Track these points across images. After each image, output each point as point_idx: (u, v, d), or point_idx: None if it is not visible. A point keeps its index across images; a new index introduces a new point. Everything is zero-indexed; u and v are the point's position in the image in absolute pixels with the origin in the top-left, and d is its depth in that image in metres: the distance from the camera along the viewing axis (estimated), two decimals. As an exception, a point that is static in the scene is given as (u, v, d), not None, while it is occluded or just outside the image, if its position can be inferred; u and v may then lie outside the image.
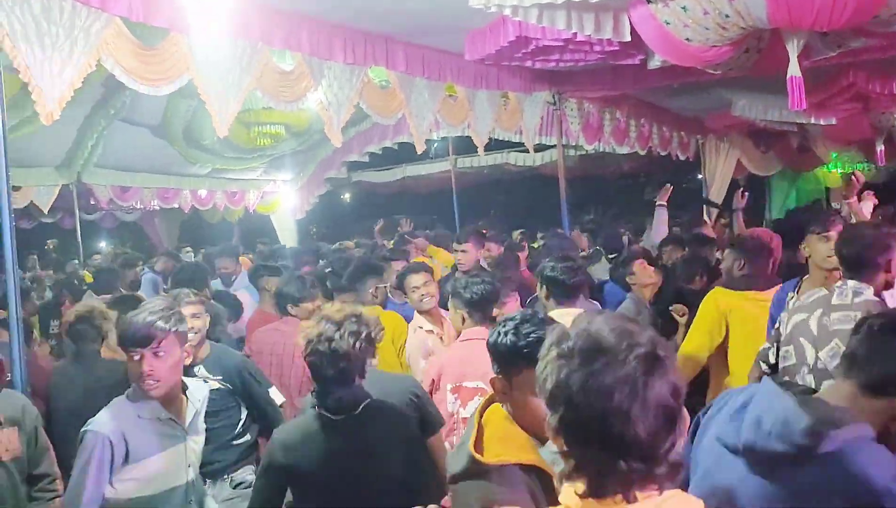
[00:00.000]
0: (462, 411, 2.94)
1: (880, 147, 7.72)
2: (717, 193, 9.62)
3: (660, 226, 6.63)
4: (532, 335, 1.68)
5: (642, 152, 8.32)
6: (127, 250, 11.31)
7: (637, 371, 1.09)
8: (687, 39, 3.53)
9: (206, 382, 2.86)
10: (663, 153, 8.80)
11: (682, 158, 9.38)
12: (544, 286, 3.23)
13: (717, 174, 9.57)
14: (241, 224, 12.39)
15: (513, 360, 1.70)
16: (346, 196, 15.79)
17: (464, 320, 3.12)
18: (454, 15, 3.89)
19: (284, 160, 10.27)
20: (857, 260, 2.88)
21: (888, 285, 2.89)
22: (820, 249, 3.29)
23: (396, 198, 14.80)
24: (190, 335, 2.68)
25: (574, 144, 7.52)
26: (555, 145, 7.76)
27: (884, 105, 6.40)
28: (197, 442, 2.51)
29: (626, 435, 1.08)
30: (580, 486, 1.15)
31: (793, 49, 3.54)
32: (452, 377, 2.99)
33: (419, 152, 5.55)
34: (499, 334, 1.76)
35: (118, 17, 3.03)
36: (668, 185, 6.85)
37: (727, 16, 3.29)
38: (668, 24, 3.49)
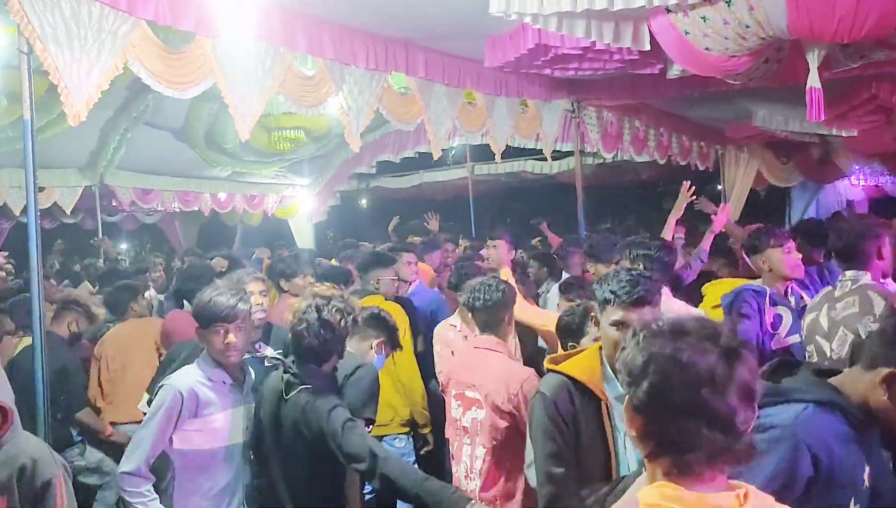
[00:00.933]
0: (463, 418, 2.90)
1: (903, 160, 7.63)
2: (736, 203, 9.54)
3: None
4: None
5: (661, 162, 8.29)
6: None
7: (719, 351, 1.19)
8: (706, 49, 3.53)
9: (265, 356, 3.03)
10: (682, 163, 8.76)
11: (701, 168, 9.33)
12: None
13: (737, 185, 9.51)
14: (260, 228, 12.47)
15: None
16: (364, 201, 15.88)
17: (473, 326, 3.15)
18: (474, 22, 3.92)
19: (303, 165, 10.38)
20: (848, 251, 3.08)
21: (885, 275, 3.01)
22: (783, 259, 3.48)
23: (413, 204, 14.84)
24: (258, 313, 3.23)
25: (592, 152, 7.51)
26: (572, 153, 7.77)
27: (908, 117, 6.33)
28: (250, 409, 2.77)
29: (711, 403, 1.15)
30: (660, 470, 1.21)
31: (813, 60, 3.52)
32: (457, 384, 2.97)
33: (436, 159, 5.58)
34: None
35: (144, 21, 3.10)
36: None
37: (747, 26, 3.28)
38: (687, 33, 3.49)
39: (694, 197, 5.12)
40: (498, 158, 5.65)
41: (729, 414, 1.16)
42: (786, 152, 9.35)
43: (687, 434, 1.18)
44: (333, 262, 9.66)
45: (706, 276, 4.66)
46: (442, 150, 5.46)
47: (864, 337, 2.78)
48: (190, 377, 2.63)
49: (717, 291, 3.99)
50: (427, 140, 7.69)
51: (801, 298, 3.62)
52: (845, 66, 3.93)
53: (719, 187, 10.37)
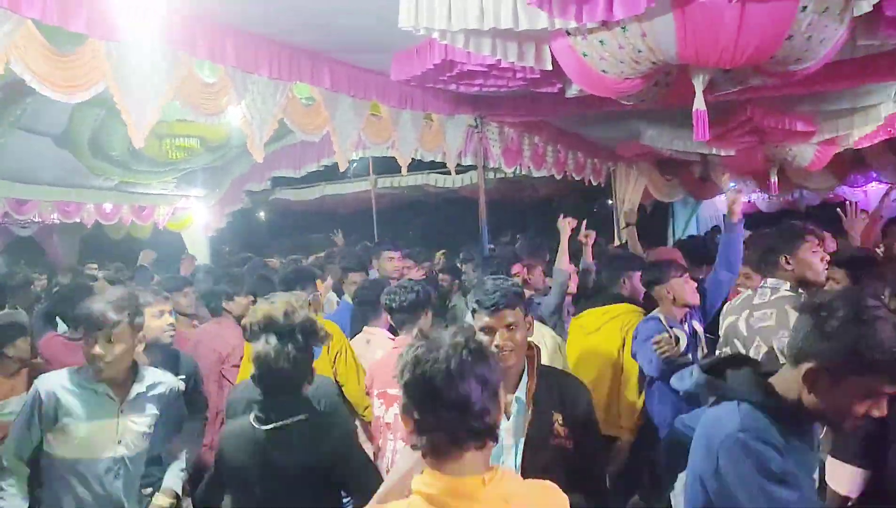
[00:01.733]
0: (386, 415, 3.04)
1: (774, 178, 8.33)
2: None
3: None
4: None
5: (558, 177, 8.63)
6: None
7: (464, 352, 1.47)
8: (603, 71, 3.72)
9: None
10: (577, 178, 9.16)
11: (594, 183, 9.80)
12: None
13: (627, 199, 10.05)
14: (149, 241, 11.83)
15: None
16: (262, 214, 15.45)
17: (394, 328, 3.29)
18: (382, 34, 3.93)
19: (198, 175, 9.95)
20: (761, 261, 3.33)
21: (812, 284, 3.19)
22: (686, 289, 3.76)
23: (314, 217, 14.60)
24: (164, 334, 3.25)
25: (494, 167, 7.71)
26: (474, 168, 7.94)
27: (777, 139, 6.93)
28: (135, 422, 2.64)
29: (446, 391, 1.43)
30: (424, 459, 1.48)
31: (698, 84, 3.79)
32: (380, 384, 3.10)
33: (342, 170, 5.53)
34: None
35: (30, 20, 2.89)
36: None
37: (640, 51, 3.49)
38: (585, 55, 3.67)
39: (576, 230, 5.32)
40: (404, 170, 5.68)
41: (463, 399, 1.42)
42: (670, 170, 10.01)
43: (429, 419, 1.44)
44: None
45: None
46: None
47: (777, 351, 3.01)
48: (55, 380, 2.59)
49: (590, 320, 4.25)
50: (328, 153, 7.67)
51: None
52: (726, 89, 4.26)
53: (610, 202, 10.93)
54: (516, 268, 5.05)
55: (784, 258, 3.29)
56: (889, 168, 9.98)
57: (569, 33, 3.63)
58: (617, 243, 9.95)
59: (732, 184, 11.23)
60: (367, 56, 4.60)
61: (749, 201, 14.66)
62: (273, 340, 2.18)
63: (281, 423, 2.19)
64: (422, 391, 1.46)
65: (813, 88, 5.10)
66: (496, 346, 2.26)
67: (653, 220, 12.97)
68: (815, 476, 1.85)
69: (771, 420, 1.71)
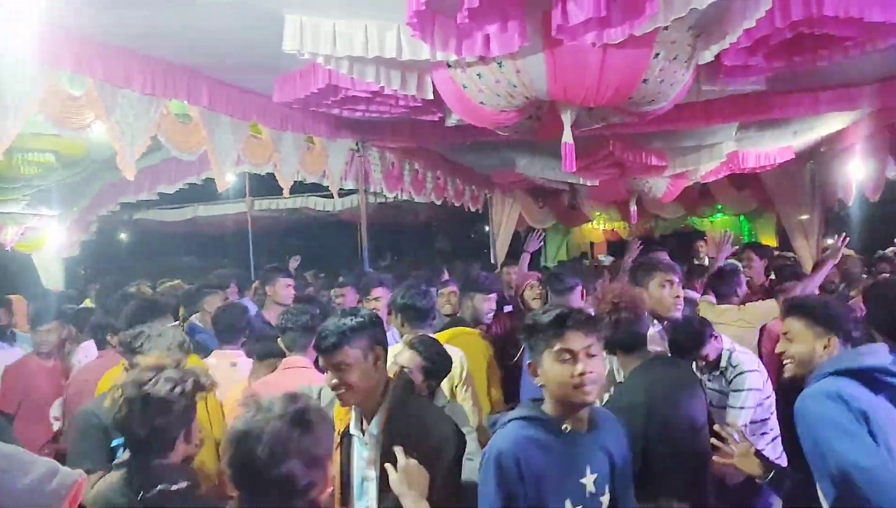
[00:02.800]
0: None
1: (633, 207, 9.04)
2: (502, 243, 10.50)
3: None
4: None
5: (438, 202, 8.85)
6: None
7: (290, 427, 1.46)
8: (481, 102, 3.93)
9: None
10: (456, 204, 9.44)
11: (472, 209, 10.13)
12: (399, 314, 3.57)
13: (503, 226, 10.47)
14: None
15: None
16: (125, 235, 14.49)
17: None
18: (265, 55, 3.90)
19: (52, 192, 9.20)
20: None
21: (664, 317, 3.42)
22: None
23: (185, 238, 13.92)
24: None
25: (375, 191, 7.79)
26: (355, 191, 7.96)
27: (635, 171, 7.56)
28: None
29: (283, 475, 1.42)
30: None
31: (566, 119, 4.10)
32: None
33: (220, 191, 5.37)
34: None
35: None
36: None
37: (515, 85, 3.73)
38: (465, 87, 3.86)
39: None
40: (286, 193, 5.60)
41: (286, 479, 1.44)
42: (542, 198, 10.58)
43: (252, 498, 1.47)
44: (88, 302, 8.66)
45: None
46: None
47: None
48: None
49: None
50: (199, 171, 7.35)
51: None
52: (590, 125, 4.62)
53: (487, 228, 11.33)
54: (377, 292, 4.92)
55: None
56: (731, 201, 11.14)
57: (449, 65, 3.81)
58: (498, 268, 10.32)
59: (597, 213, 12.08)
60: (247, 76, 4.54)
61: (612, 230, 15.76)
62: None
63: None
64: (244, 471, 1.43)
65: (665, 126, 5.64)
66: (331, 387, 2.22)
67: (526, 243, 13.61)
68: (588, 480, 2.11)
69: (542, 430, 2.15)
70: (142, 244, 14.92)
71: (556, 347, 2.04)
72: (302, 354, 3.20)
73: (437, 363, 2.87)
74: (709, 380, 3.59)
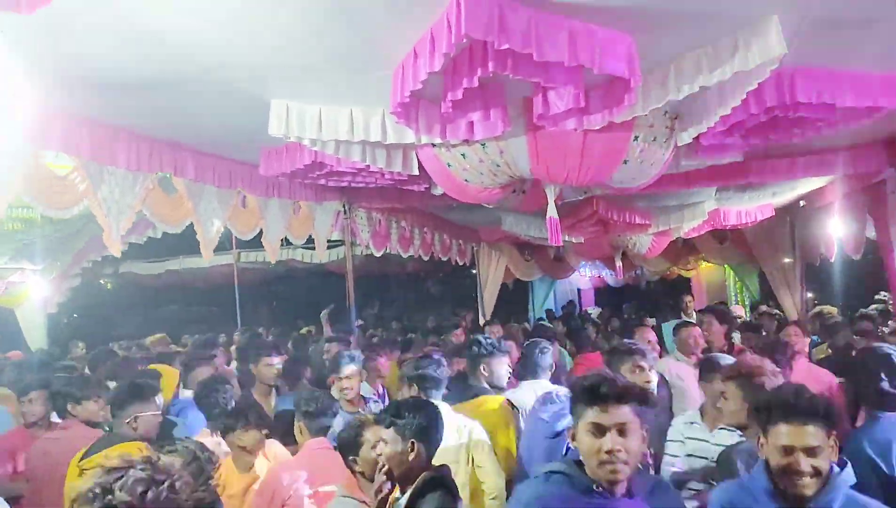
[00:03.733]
0: None
1: (618, 263, 9.12)
2: (490, 295, 10.51)
3: None
4: None
5: (426, 258, 8.88)
6: None
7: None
8: (466, 180, 3.98)
9: None
10: (444, 258, 9.47)
11: (460, 263, 10.16)
12: (414, 384, 3.56)
13: (490, 279, 10.49)
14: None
15: None
16: (110, 287, 14.37)
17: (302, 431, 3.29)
18: (251, 132, 3.95)
19: (37, 246, 9.14)
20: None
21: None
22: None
23: (170, 290, 13.82)
24: None
25: (363, 248, 7.82)
26: (342, 242, 7.98)
27: (619, 229, 7.65)
28: None
29: None
30: None
31: (550, 194, 4.16)
32: (308, 485, 3.07)
33: (207, 260, 5.35)
34: None
35: None
36: None
37: (498, 165, 3.79)
38: (450, 165, 3.91)
39: None
40: (273, 258, 5.59)
41: None
42: (528, 252, 10.64)
43: None
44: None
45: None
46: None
47: None
48: None
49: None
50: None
51: None
52: (575, 197, 4.69)
53: (475, 272, 11.26)
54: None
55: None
56: (714, 253, 11.27)
57: (434, 145, 3.86)
58: (482, 319, 10.32)
59: (584, 263, 12.15)
60: (233, 149, 4.58)
61: (599, 277, 15.85)
62: None
63: None
64: None
65: (647, 189, 5.73)
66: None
67: (514, 294, 13.64)
68: None
69: (567, 485, 2.08)
70: (126, 296, 14.79)
71: (588, 419, 1.97)
72: (320, 434, 3.25)
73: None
74: None
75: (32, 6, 2.06)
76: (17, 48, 2.81)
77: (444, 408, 3.28)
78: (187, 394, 4.54)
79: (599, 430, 1.94)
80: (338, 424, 3.75)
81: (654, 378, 3.47)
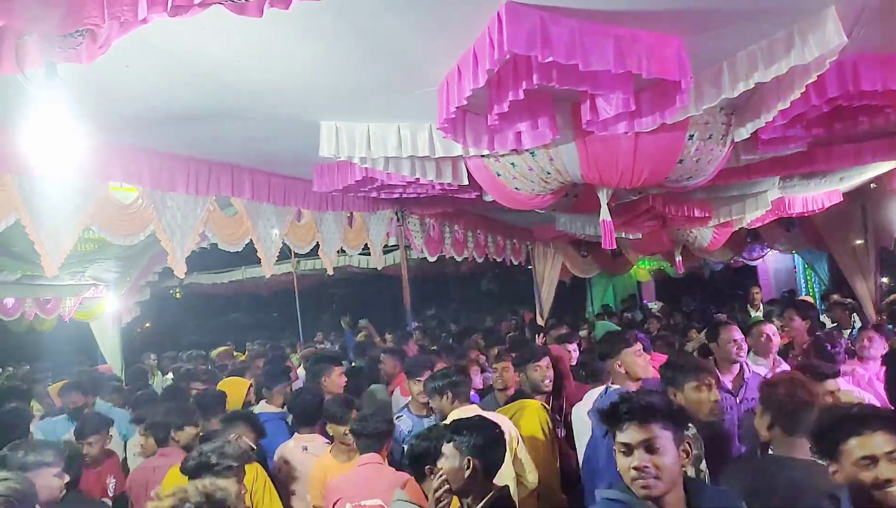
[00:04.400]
0: None
1: (678, 257, 8.87)
2: (547, 293, 10.41)
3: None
4: None
5: (480, 260, 8.86)
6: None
7: None
8: (516, 188, 3.95)
9: None
10: (498, 259, 9.44)
11: (515, 262, 10.10)
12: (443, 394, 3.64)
13: (546, 277, 10.39)
14: (52, 334, 11.17)
15: None
16: (178, 296, 14.95)
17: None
18: (303, 152, 4.03)
19: (109, 264, 9.59)
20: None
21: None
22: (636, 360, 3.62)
23: (234, 298, 14.26)
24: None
25: (417, 255, 7.87)
26: (397, 247, 8.07)
27: (678, 224, 7.43)
28: None
29: None
30: None
31: (603, 197, 4.08)
32: (351, 497, 3.22)
33: (268, 277, 5.50)
34: None
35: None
36: None
37: (548, 172, 3.75)
38: (499, 175, 3.89)
39: None
40: (330, 271, 5.70)
41: None
42: (585, 248, 10.47)
43: None
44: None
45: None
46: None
47: None
48: None
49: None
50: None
51: None
52: (629, 197, 4.59)
53: (531, 268, 11.08)
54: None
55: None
56: (781, 240, 10.84)
57: (483, 155, 3.85)
58: (539, 318, 10.23)
59: (641, 261, 11.88)
60: (287, 168, 4.68)
61: (659, 269, 15.47)
62: None
63: None
64: None
65: (706, 183, 5.55)
66: None
67: (572, 291, 13.48)
68: None
69: None
70: (192, 305, 15.35)
71: (617, 438, 2.00)
72: (377, 452, 3.36)
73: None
74: None
75: (92, 56, 2.15)
76: (81, 89, 2.94)
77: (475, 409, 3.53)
78: (270, 408, 4.66)
79: (627, 448, 1.97)
80: (404, 424, 4.16)
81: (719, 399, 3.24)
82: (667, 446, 1.95)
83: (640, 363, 3.62)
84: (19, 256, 7.27)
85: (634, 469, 1.93)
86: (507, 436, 3.43)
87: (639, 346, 3.63)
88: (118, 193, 4.02)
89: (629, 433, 1.96)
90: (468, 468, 2.53)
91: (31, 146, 3.10)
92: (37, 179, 3.30)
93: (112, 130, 3.46)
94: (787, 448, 2.55)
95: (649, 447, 1.94)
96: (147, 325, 15.95)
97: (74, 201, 3.48)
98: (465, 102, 2.81)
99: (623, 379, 3.59)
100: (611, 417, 2.01)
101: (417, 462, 2.98)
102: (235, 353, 10.48)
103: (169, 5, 1.84)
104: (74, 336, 11.29)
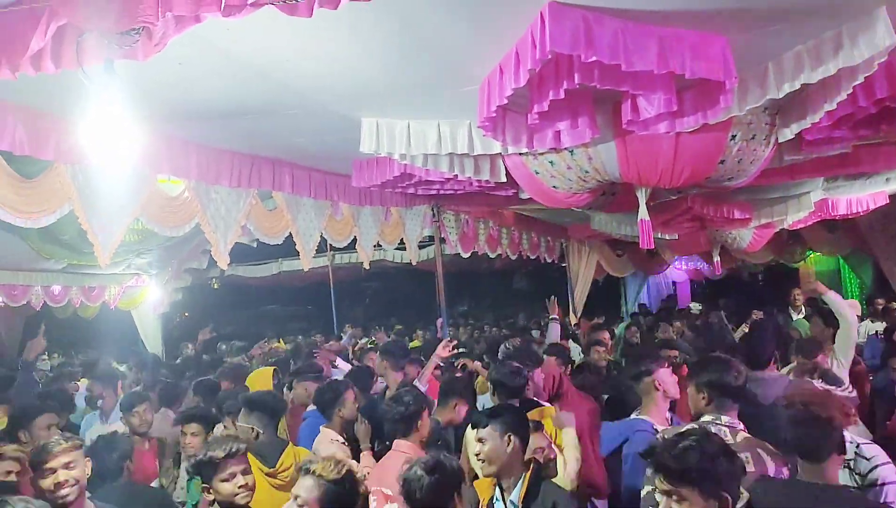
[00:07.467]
0: None
1: (716, 258, 8.74)
2: (581, 292, 10.36)
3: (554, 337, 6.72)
4: None
5: (513, 257, 8.87)
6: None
7: None
8: (554, 187, 3.96)
9: None
10: (532, 257, 9.42)
11: (548, 260, 10.06)
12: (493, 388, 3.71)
13: (581, 275, 10.33)
14: (95, 321, 11.52)
15: None
16: (216, 287, 15.29)
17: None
18: (343, 147, 4.10)
19: (152, 253, 9.85)
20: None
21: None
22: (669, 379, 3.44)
23: (271, 290, 14.51)
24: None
25: (452, 252, 7.91)
26: (431, 242, 8.13)
27: (717, 224, 7.32)
28: None
29: None
30: None
31: (641, 197, 4.05)
32: (375, 482, 3.24)
33: (306, 270, 5.61)
34: None
35: (-1, 154, 2.95)
36: (554, 297, 7.17)
37: (587, 171, 3.74)
38: (537, 173, 3.90)
39: None
40: (366, 264, 5.79)
41: None
42: (620, 247, 10.38)
43: None
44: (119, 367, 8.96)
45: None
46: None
47: None
48: None
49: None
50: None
51: None
52: (667, 197, 4.55)
53: (564, 265, 10.97)
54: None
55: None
56: (823, 243, 10.58)
57: (521, 153, 3.86)
58: (573, 317, 10.17)
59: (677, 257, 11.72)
60: (327, 162, 4.76)
61: (696, 269, 15.25)
62: None
63: None
64: None
65: (747, 184, 5.47)
66: None
67: (606, 290, 13.37)
68: None
69: None
70: (231, 296, 15.65)
71: (653, 478, 2.05)
72: (405, 438, 3.38)
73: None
74: None
75: (148, 54, 2.24)
76: (136, 84, 3.06)
77: None
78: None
79: (660, 492, 1.99)
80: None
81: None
82: (697, 501, 1.91)
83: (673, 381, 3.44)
84: (67, 244, 7.52)
85: None
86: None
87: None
88: (164, 185, 4.16)
89: (660, 484, 1.97)
90: (509, 444, 2.68)
91: (86, 138, 3.23)
92: (90, 170, 3.42)
93: (163, 124, 3.57)
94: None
95: (676, 498, 1.94)
96: (185, 314, 16.36)
97: (126, 193, 3.61)
98: (505, 101, 2.83)
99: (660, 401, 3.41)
100: (654, 464, 2.02)
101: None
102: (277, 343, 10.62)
103: (222, 5, 1.90)
104: (116, 323, 11.63)
